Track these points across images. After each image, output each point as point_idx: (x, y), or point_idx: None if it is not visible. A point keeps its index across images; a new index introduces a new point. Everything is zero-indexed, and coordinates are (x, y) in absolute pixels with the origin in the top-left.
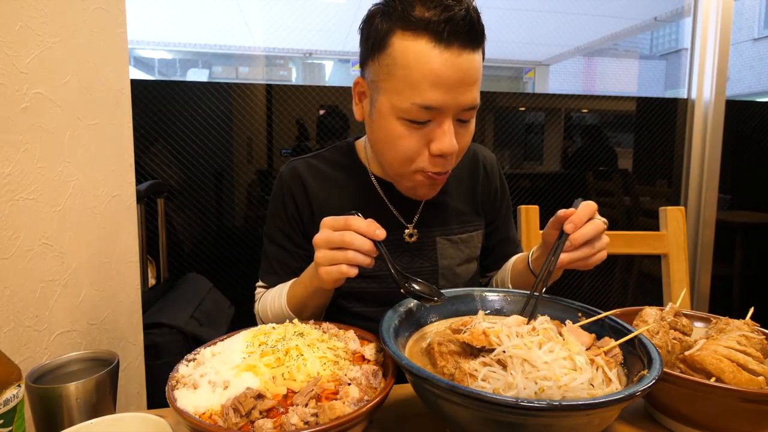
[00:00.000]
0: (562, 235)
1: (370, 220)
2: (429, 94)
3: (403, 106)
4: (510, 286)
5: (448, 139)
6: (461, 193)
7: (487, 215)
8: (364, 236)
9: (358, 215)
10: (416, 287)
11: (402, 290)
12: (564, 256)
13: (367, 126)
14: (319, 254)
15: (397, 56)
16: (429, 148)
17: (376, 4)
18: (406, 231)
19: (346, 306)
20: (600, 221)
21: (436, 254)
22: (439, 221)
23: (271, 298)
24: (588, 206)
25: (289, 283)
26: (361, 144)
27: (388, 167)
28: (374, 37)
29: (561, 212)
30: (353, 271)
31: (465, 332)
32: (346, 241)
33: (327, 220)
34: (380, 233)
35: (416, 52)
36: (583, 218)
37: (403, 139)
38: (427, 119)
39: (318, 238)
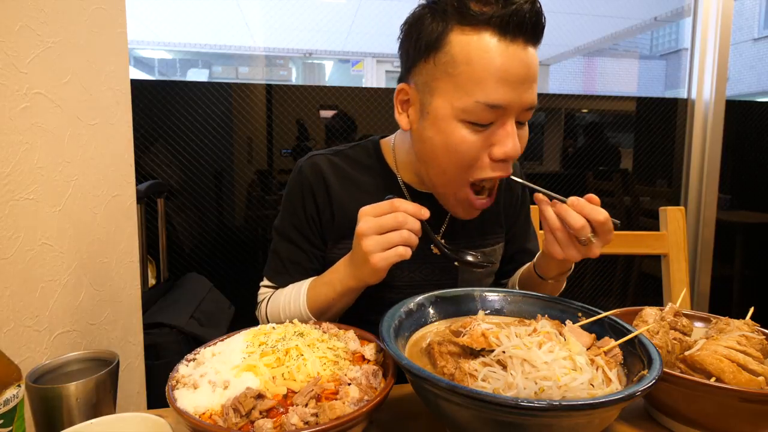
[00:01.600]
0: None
1: (410, 202)
2: (495, 91)
3: (465, 105)
4: (517, 288)
5: (512, 142)
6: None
7: (507, 224)
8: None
9: (397, 197)
10: (468, 258)
11: (455, 262)
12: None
13: (415, 135)
14: (369, 242)
15: (457, 53)
16: (490, 153)
17: (422, 5)
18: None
19: (362, 314)
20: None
21: (457, 269)
22: (464, 233)
23: (285, 299)
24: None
25: (305, 284)
26: (388, 146)
27: (438, 176)
28: (427, 37)
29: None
30: (409, 252)
31: (464, 335)
32: (400, 221)
33: (367, 208)
34: (425, 212)
35: (479, 47)
36: (587, 205)
37: (464, 143)
38: (490, 120)
39: (363, 226)
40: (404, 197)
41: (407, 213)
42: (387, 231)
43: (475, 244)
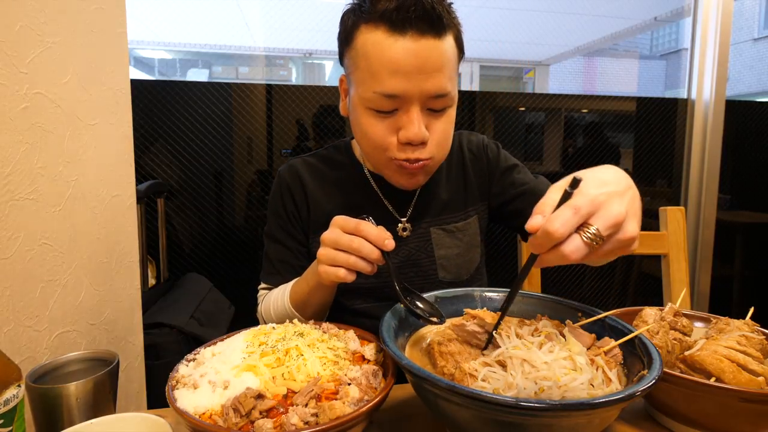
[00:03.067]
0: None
1: (380, 228)
2: (388, 82)
3: (367, 95)
4: None
5: (414, 127)
6: (451, 181)
7: (496, 193)
8: (373, 244)
9: (370, 219)
10: (419, 304)
11: (403, 306)
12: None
13: (350, 121)
14: (323, 252)
15: (360, 48)
16: (398, 137)
17: (348, 2)
18: (399, 225)
19: (346, 304)
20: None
21: (431, 245)
22: (431, 212)
23: (274, 297)
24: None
25: (291, 282)
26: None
27: (368, 158)
28: (344, 32)
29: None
30: (351, 277)
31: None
32: (354, 247)
33: (338, 220)
34: (389, 244)
35: (374, 42)
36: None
37: (372, 127)
38: (392, 108)
39: (326, 236)
40: (370, 186)
41: (368, 238)
42: (342, 249)
43: (445, 220)
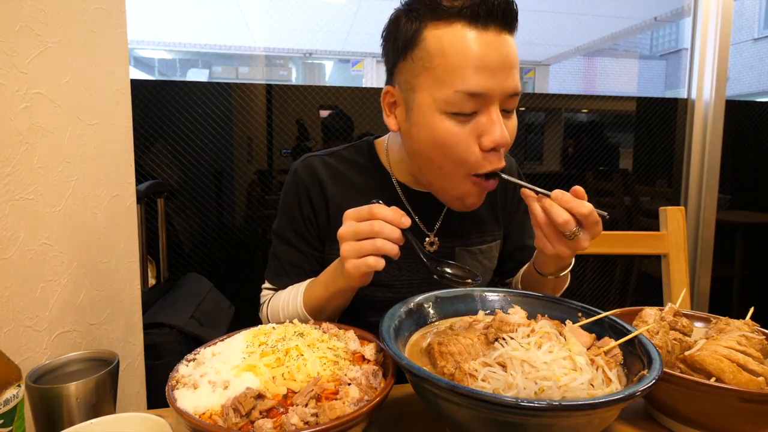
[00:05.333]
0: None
1: (394, 207)
2: (473, 79)
3: (446, 96)
4: (520, 287)
5: (500, 129)
6: (484, 201)
7: (504, 220)
8: (390, 224)
9: (380, 203)
10: (449, 270)
11: (435, 276)
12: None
13: (404, 135)
14: (346, 247)
15: (432, 47)
16: (480, 143)
17: (397, 8)
18: (427, 239)
19: (362, 316)
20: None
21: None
22: (459, 231)
23: (284, 300)
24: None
25: (304, 284)
26: (382, 146)
27: (434, 174)
28: (403, 36)
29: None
30: (381, 263)
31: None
32: (375, 230)
33: (350, 212)
34: (405, 221)
35: (452, 39)
36: (570, 198)
37: (452, 136)
38: (473, 110)
39: (343, 230)
40: (398, 197)
41: (386, 220)
42: (363, 238)
43: (471, 241)
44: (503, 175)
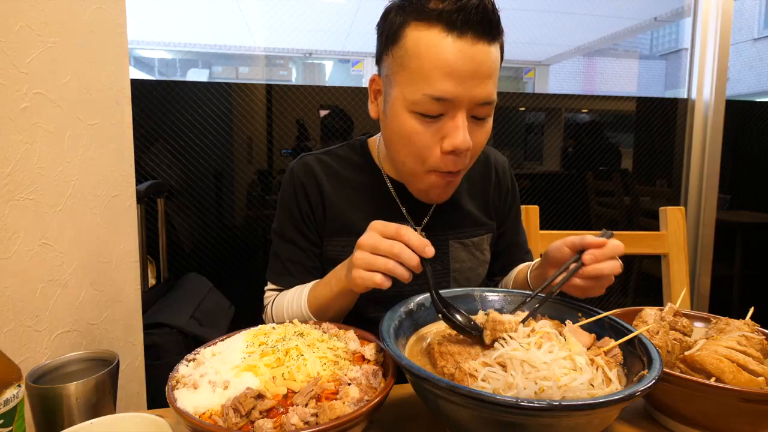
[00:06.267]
0: (578, 260)
1: (419, 235)
2: (440, 84)
3: (414, 97)
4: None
5: (462, 134)
6: (474, 195)
7: (497, 219)
8: (413, 250)
9: (410, 227)
10: (458, 318)
11: (442, 317)
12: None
13: (381, 124)
14: (359, 255)
15: (410, 47)
16: (441, 145)
17: (393, 1)
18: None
19: (362, 312)
20: (618, 264)
21: (448, 258)
22: (451, 224)
23: (288, 300)
24: (616, 247)
25: (309, 285)
26: (375, 143)
27: (401, 166)
28: (389, 30)
29: (589, 239)
30: (387, 283)
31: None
32: (395, 252)
33: (377, 224)
34: (429, 250)
35: (428, 42)
36: (607, 256)
37: (416, 134)
38: (439, 113)
39: (364, 240)
40: (388, 192)
41: (409, 245)
42: (381, 254)
43: (463, 234)
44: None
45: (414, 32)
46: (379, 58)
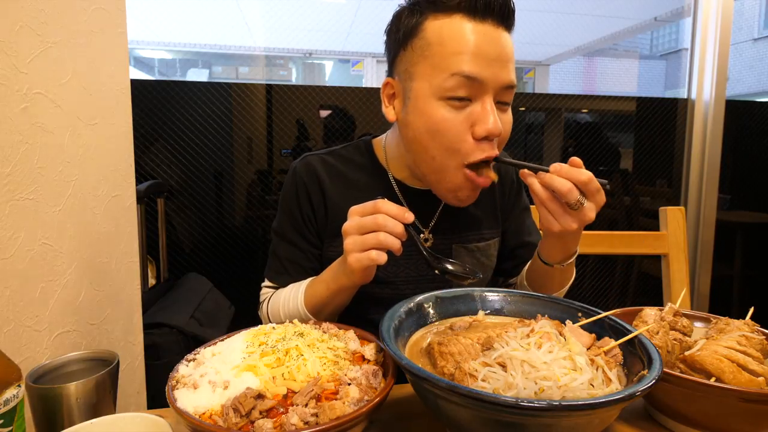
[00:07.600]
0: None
1: (395, 204)
2: (469, 64)
3: (442, 81)
4: (526, 284)
5: (493, 118)
6: (482, 198)
7: (504, 220)
8: (394, 219)
9: (384, 199)
10: (449, 267)
11: (436, 271)
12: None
13: (401, 125)
14: (349, 240)
15: (431, 36)
16: (473, 132)
17: (400, 5)
18: (422, 236)
19: (361, 313)
20: (576, 193)
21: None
22: (456, 228)
23: (284, 298)
24: (587, 176)
25: (305, 283)
26: (380, 144)
27: (430, 163)
28: (404, 29)
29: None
30: (383, 257)
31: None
32: (379, 223)
33: (355, 208)
34: (409, 216)
35: (451, 29)
36: (571, 174)
37: (445, 122)
38: (467, 95)
39: (347, 225)
40: (394, 194)
41: (389, 215)
42: (367, 232)
43: (468, 238)
44: (501, 158)
45: (434, 22)
46: (393, 59)
